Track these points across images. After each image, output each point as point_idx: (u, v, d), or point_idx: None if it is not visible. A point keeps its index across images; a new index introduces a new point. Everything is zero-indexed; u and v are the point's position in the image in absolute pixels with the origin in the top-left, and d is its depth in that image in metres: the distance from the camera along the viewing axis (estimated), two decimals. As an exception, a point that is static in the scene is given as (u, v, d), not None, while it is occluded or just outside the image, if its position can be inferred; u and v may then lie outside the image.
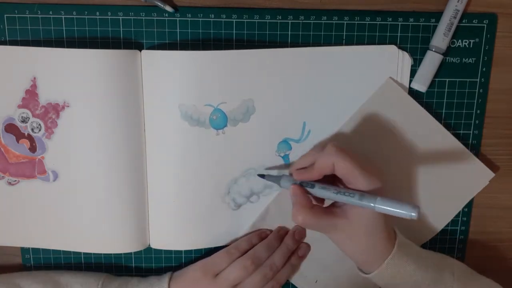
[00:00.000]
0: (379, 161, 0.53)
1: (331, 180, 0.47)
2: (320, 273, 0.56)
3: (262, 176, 0.52)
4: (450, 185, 0.54)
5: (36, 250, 0.54)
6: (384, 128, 0.52)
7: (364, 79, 0.51)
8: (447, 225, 0.56)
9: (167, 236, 0.54)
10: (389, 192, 0.45)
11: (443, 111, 0.54)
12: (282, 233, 0.53)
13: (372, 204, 0.42)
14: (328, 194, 0.45)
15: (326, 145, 0.46)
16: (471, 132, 0.54)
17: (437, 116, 0.53)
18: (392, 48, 0.51)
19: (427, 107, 0.53)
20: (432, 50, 0.51)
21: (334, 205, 0.47)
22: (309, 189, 0.46)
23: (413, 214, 0.40)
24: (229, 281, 0.49)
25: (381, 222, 0.45)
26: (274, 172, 0.52)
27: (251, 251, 0.51)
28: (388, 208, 0.41)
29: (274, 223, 0.54)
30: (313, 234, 0.50)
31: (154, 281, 0.52)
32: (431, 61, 0.51)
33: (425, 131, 0.53)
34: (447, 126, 0.54)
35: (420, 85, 0.52)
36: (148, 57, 0.49)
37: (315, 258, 0.55)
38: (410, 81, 0.52)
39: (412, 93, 0.52)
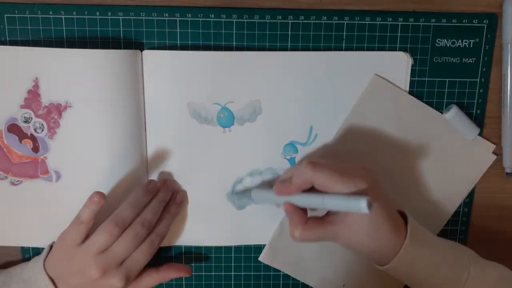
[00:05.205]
0: (379, 158, 0.53)
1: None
2: (346, 276, 0.55)
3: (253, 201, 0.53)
4: (456, 166, 0.55)
5: (36, 250, 0.54)
6: (380, 124, 0.53)
7: None
8: (446, 225, 0.57)
9: (170, 233, 0.53)
10: (393, 187, 0.44)
11: (444, 111, 0.54)
12: (152, 187, 0.50)
13: (322, 205, 0.42)
14: (304, 201, 0.45)
15: (301, 162, 0.46)
16: (471, 132, 0.54)
17: (437, 116, 0.53)
18: (401, 55, 0.51)
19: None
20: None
21: (330, 213, 0.46)
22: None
23: (362, 206, 0.39)
24: (95, 248, 0.46)
25: (381, 218, 0.43)
26: (262, 192, 0.51)
27: (114, 213, 0.48)
28: (337, 205, 0.42)
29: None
30: None
31: (35, 264, 0.49)
32: None
33: (420, 119, 0.53)
34: (447, 126, 0.54)
35: None
36: (150, 57, 0.49)
37: (340, 262, 0.55)
38: (410, 80, 0.52)
39: (412, 93, 0.53)
